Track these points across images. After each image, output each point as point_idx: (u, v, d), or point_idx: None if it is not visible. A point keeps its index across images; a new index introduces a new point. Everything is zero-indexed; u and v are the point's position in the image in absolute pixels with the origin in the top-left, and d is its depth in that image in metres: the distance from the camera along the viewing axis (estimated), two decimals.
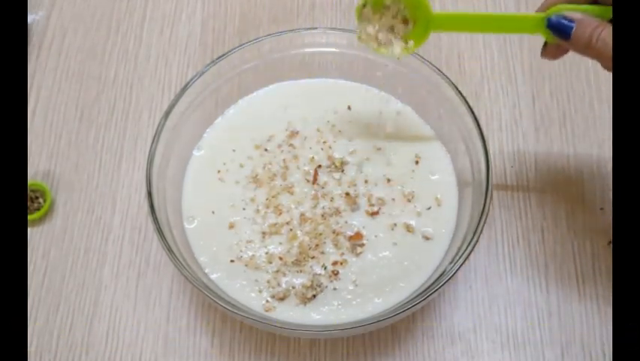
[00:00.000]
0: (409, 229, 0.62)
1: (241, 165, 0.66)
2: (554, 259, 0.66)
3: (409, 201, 0.63)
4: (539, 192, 0.69)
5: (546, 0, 0.54)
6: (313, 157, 0.66)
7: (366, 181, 0.64)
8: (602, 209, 0.68)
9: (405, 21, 0.57)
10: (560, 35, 0.53)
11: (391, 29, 0.57)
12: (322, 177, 0.65)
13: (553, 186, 0.70)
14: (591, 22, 0.51)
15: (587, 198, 0.69)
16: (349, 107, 0.68)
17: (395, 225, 0.62)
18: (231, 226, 0.63)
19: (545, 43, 0.56)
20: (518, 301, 0.64)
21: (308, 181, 0.64)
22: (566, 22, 0.52)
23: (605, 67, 0.52)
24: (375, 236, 0.62)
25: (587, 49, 0.51)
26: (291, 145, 0.67)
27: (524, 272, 0.66)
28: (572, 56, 0.76)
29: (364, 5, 0.57)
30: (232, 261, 0.61)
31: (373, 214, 0.63)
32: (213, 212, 0.63)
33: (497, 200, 0.69)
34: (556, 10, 0.53)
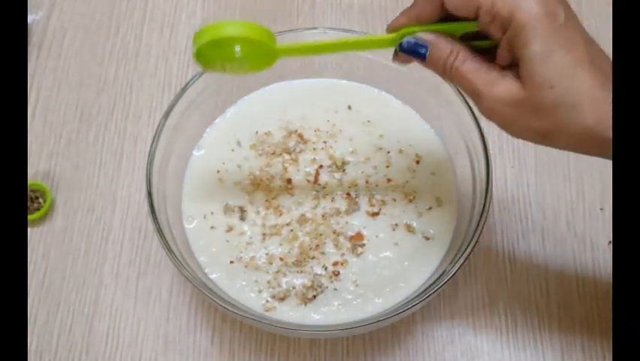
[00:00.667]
0: (409, 229, 0.62)
1: (241, 166, 0.66)
2: (554, 259, 0.66)
3: (410, 201, 0.63)
4: (539, 192, 0.69)
5: (394, 21, 0.50)
6: (314, 158, 0.66)
7: (367, 181, 0.64)
8: (602, 209, 0.68)
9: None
10: (415, 58, 0.49)
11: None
12: (323, 178, 0.65)
13: (553, 186, 0.70)
14: (444, 47, 0.47)
15: (587, 198, 0.69)
16: (350, 107, 0.68)
17: (396, 225, 0.62)
18: (231, 227, 0.63)
19: (396, 50, 0.51)
20: (518, 302, 0.65)
21: (309, 182, 0.64)
22: (418, 45, 0.48)
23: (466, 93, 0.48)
24: (377, 236, 0.62)
25: (444, 75, 0.48)
26: (291, 145, 0.66)
27: (524, 272, 0.66)
28: None
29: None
30: (232, 262, 0.61)
31: (374, 215, 0.63)
32: (212, 212, 0.63)
33: (497, 200, 0.69)
34: (407, 31, 0.49)
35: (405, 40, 0.49)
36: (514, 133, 0.47)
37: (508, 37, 0.44)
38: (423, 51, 0.48)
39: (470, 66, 0.47)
